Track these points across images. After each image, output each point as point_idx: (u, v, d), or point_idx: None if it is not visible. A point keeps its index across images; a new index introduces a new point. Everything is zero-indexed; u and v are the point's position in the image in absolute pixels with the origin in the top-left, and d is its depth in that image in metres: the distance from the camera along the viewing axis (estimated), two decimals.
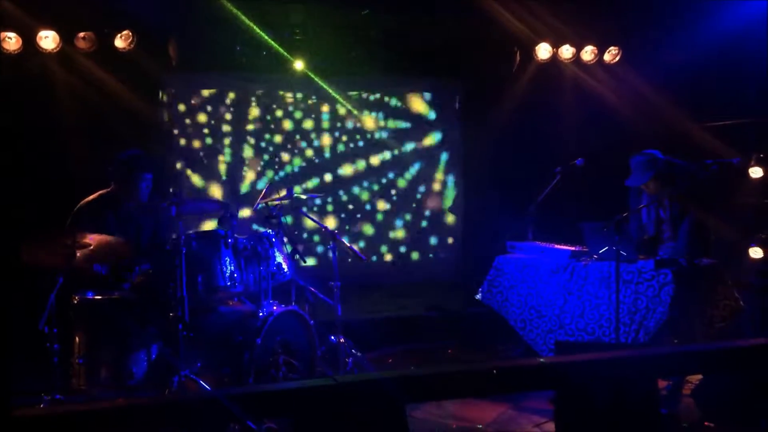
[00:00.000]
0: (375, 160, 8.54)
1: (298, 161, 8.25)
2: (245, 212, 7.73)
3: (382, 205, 8.59)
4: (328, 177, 8.38)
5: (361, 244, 8.42)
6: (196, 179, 7.85)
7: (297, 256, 5.46)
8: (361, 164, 8.50)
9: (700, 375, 4.73)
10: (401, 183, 8.65)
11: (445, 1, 7.24)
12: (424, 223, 8.72)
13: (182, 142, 7.79)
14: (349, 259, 7.91)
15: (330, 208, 8.40)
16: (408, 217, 8.67)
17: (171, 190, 4.99)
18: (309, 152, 8.30)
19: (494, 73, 7.84)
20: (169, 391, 4.31)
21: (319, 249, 8.30)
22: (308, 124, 8.29)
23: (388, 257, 8.61)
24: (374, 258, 8.49)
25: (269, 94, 8.13)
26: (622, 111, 7.67)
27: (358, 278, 7.54)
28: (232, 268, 4.80)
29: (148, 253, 4.86)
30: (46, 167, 6.38)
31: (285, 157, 8.21)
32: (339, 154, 8.41)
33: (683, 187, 5.11)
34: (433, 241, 8.76)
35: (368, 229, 8.54)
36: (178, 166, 7.70)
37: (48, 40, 6.22)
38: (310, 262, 7.98)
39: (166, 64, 6.76)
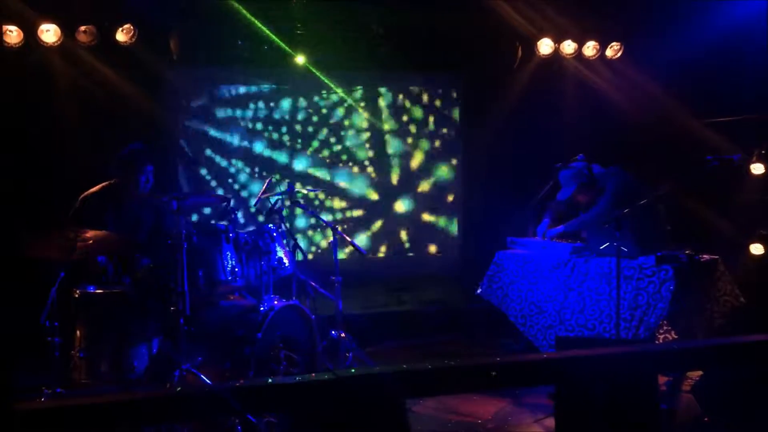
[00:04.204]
0: (376, 154, 8.53)
1: (299, 155, 8.25)
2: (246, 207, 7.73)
3: (383, 199, 8.58)
4: (328, 171, 8.38)
5: (362, 238, 8.41)
6: (198, 173, 7.84)
7: (298, 252, 5.46)
8: (363, 157, 8.49)
9: (700, 371, 4.74)
10: (402, 177, 8.64)
11: None
12: (424, 218, 8.72)
13: (183, 136, 7.79)
14: (347, 255, 7.94)
15: (330, 202, 8.39)
16: (409, 211, 8.67)
17: (172, 184, 4.99)
18: (310, 146, 8.29)
19: (496, 68, 7.83)
20: (169, 385, 4.31)
21: (320, 244, 8.30)
22: (309, 117, 8.28)
23: (389, 252, 8.61)
24: (375, 253, 8.49)
25: (271, 88, 8.12)
26: (623, 107, 7.65)
27: (359, 273, 7.54)
28: (233, 262, 4.80)
29: (148, 248, 4.86)
30: (47, 161, 6.38)
31: (286, 150, 8.20)
32: (340, 148, 8.40)
33: (601, 185, 5.45)
34: (433, 235, 8.75)
35: (369, 224, 8.54)
36: (179, 160, 7.69)
37: (49, 33, 6.20)
38: (311, 256, 7.99)
39: (167, 58, 6.75)
